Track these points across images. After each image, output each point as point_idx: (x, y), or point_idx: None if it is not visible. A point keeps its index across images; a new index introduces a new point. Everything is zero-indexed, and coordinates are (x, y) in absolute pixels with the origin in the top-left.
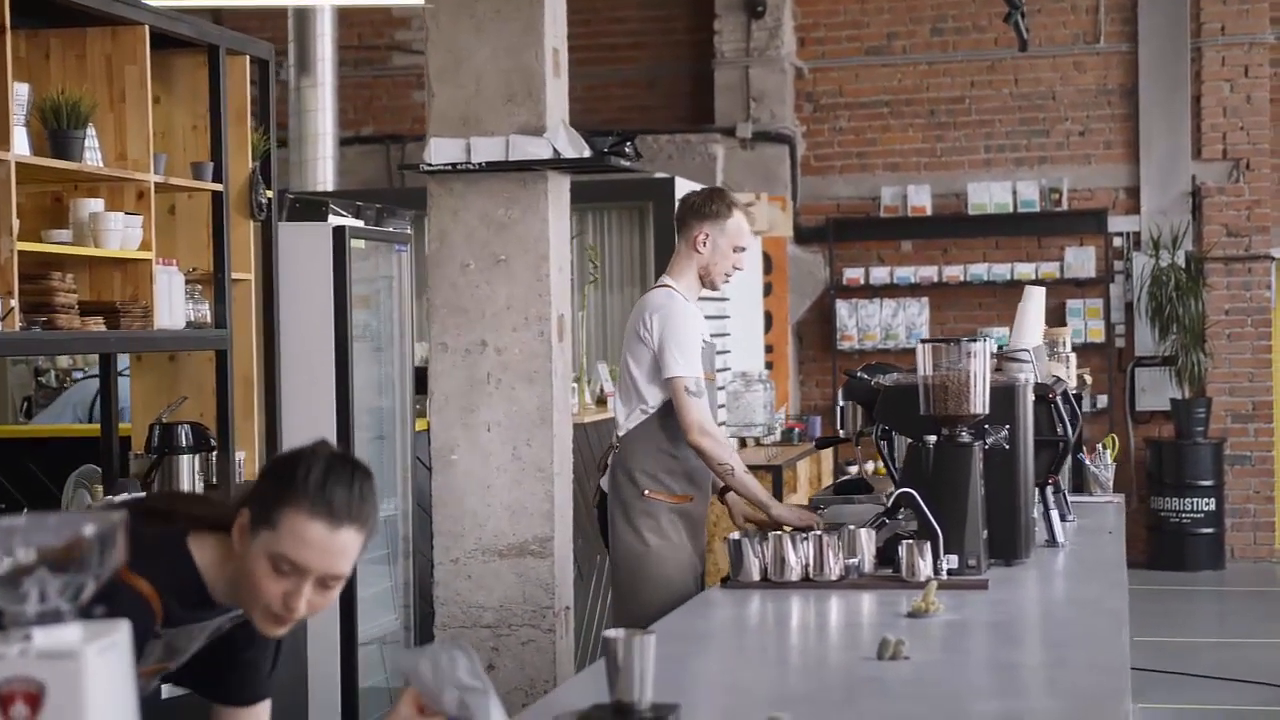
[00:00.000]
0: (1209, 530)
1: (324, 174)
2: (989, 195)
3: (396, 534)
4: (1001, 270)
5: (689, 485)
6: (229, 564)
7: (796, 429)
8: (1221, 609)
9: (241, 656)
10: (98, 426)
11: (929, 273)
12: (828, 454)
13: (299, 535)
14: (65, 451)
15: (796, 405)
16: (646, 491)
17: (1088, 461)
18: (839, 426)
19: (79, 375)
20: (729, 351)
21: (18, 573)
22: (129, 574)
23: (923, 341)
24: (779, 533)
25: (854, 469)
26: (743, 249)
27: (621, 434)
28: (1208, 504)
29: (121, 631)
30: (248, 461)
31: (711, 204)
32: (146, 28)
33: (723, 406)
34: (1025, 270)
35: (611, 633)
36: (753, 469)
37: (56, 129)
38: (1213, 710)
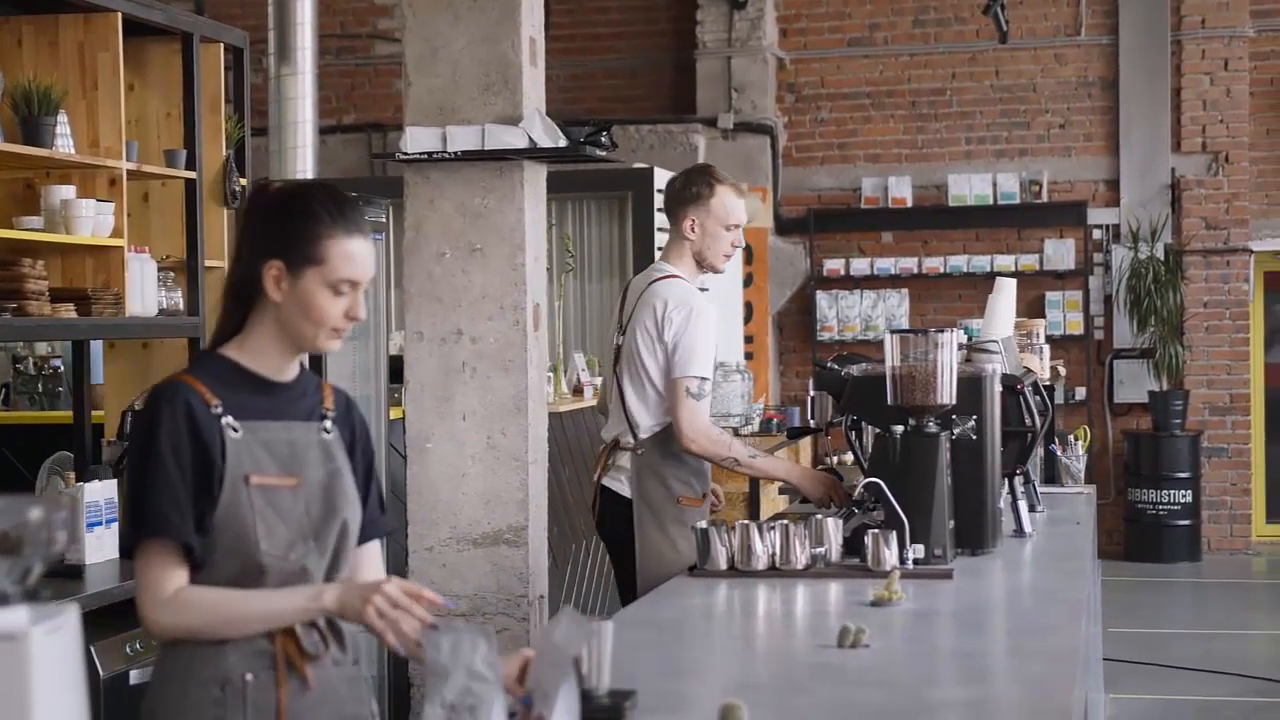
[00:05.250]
0: (1186, 522)
1: (304, 162)
2: (969, 187)
3: None
4: (981, 262)
5: (705, 483)
6: (264, 329)
7: (776, 419)
8: (1197, 600)
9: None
10: (70, 414)
11: (909, 264)
12: (806, 445)
13: (348, 256)
14: (41, 438)
15: (777, 396)
16: (681, 498)
17: (1060, 453)
18: (810, 417)
19: (57, 363)
20: None
21: None
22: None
23: (891, 332)
24: (745, 522)
25: (834, 459)
26: (735, 226)
27: (643, 435)
28: (1185, 496)
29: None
30: None
31: (691, 186)
32: (119, 15)
33: None
34: (1005, 262)
35: None
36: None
37: (27, 115)
38: (1187, 701)
